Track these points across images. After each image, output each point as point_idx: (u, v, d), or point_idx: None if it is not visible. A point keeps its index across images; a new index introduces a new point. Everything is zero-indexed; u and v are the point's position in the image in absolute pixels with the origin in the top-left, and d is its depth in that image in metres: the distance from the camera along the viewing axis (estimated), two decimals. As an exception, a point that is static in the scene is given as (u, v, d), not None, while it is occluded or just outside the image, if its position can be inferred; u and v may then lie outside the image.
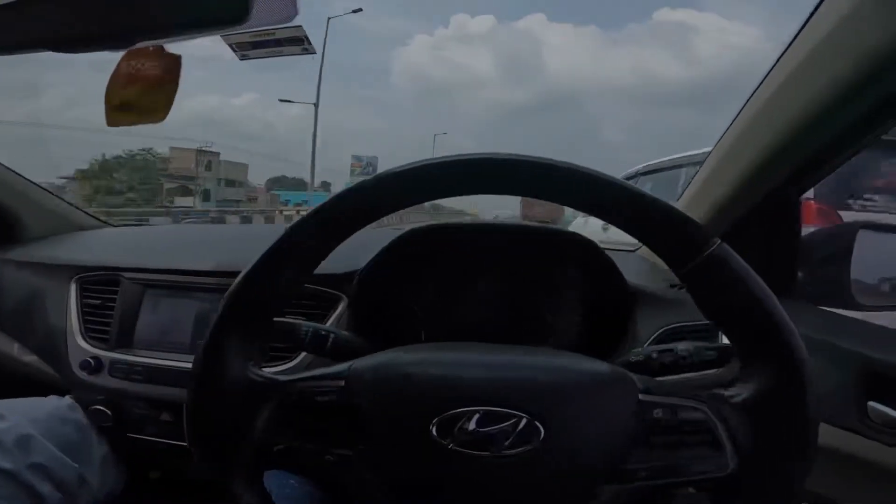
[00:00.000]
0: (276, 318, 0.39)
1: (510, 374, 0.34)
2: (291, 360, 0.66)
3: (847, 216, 1.69)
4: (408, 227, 0.64)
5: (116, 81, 0.40)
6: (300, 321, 0.44)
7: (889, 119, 0.46)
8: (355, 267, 0.63)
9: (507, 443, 0.32)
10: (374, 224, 0.37)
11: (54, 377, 0.75)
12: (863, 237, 0.60)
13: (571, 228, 0.83)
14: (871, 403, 0.48)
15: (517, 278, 0.64)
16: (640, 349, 0.43)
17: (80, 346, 0.72)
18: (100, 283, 0.75)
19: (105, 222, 1.05)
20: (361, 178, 0.36)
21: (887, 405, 0.47)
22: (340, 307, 0.66)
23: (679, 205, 0.68)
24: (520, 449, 0.32)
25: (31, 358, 0.78)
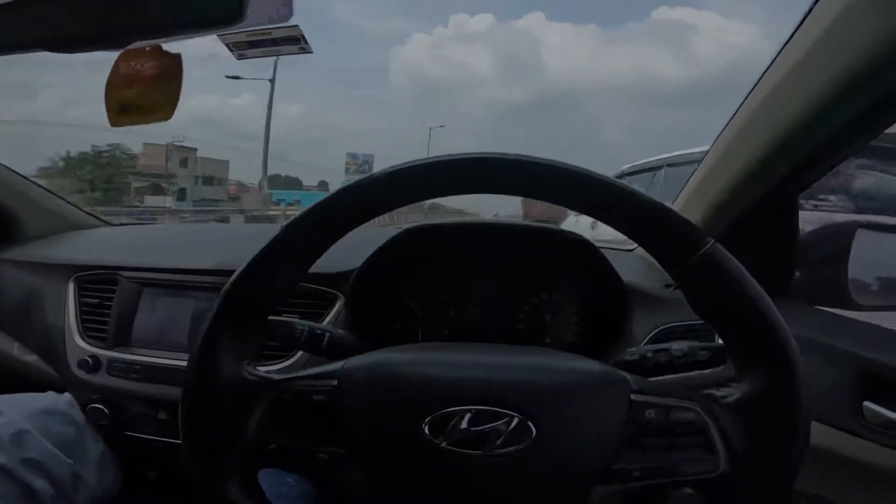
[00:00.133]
0: (271, 317, 0.39)
1: (502, 374, 0.34)
2: (287, 360, 0.66)
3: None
4: (405, 227, 0.64)
5: (115, 82, 0.40)
6: (296, 320, 0.44)
7: (886, 117, 0.46)
8: (352, 266, 0.63)
9: (498, 442, 0.32)
10: (372, 223, 0.37)
11: (53, 376, 0.75)
12: (861, 237, 0.60)
13: (563, 226, 0.82)
14: (866, 404, 0.48)
15: (513, 277, 0.64)
16: (635, 349, 0.43)
17: (79, 344, 0.72)
18: (98, 281, 0.75)
19: (104, 221, 1.05)
20: (357, 177, 0.37)
21: (883, 406, 0.47)
22: (337, 306, 0.66)
23: (676, 206, 0.68)
24: (512, 448, 0.32)
25: (30, 357, 0.78)
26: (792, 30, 0.47)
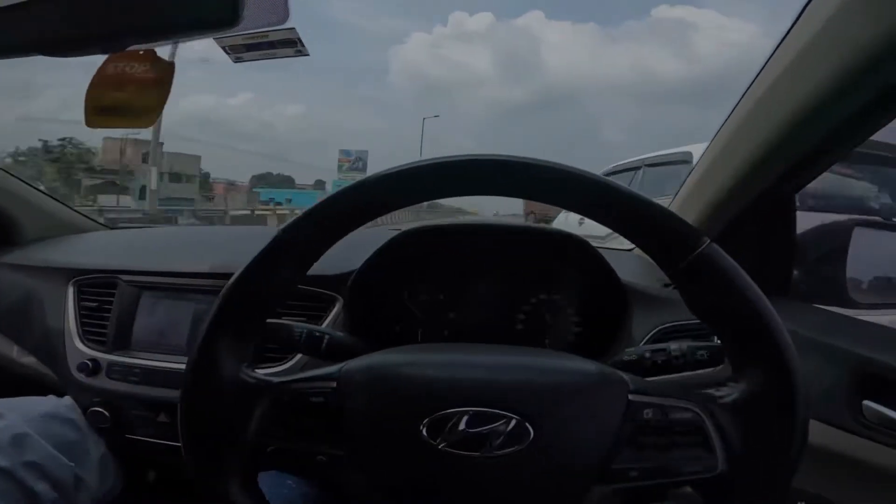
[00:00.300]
0: (270, 320, 0.39)
1: (500, 375, 0.34)
2: (287, 362, 0.66)
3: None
4: (403, 228, 0.64)
5: (101, 84, 0.40)
6: (294, 322, 0.44)
7: (882, 114, 0.46)
8: (351, 268, 0.63)
9: (497, 443, 0.32)
10: (371, 224, 0.37)
11: (53, 379, 0.75)
12: (858, 235, 0.60)
13: (554, 225, 0.83)
14: (865, 402, 0.48)
15: (513, 278, 0.64)
16: (633, 349, 0.43)
17: (78, 348, 0.72)
18: (97, 285, 0.75)
19: (103, 225, 1.05)
20: (350, 174, 0.37)
21: (882, 404, 0.47)
22: (336, 308, 0.66)
23: (672, 206, 0.68)
24: (510, 449, 0.32)
25: (30, 360, 0.78)
26: (787, 27, 0.47)
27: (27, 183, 0.94)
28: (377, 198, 0.34)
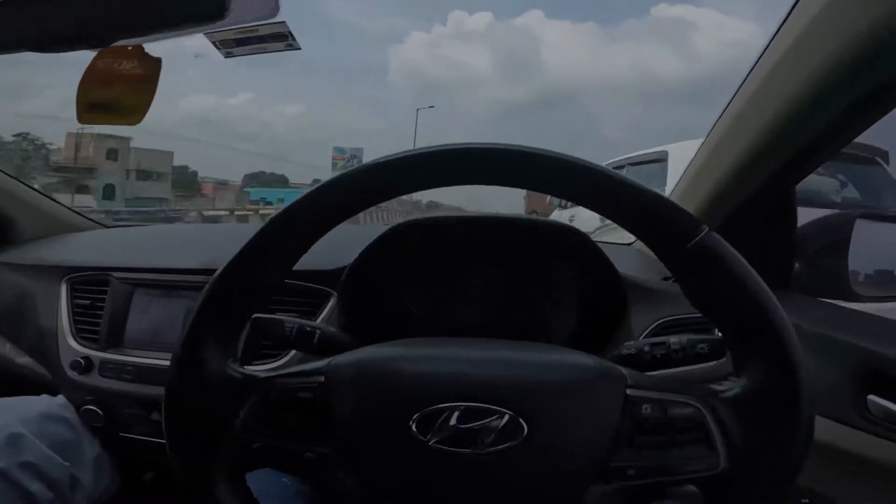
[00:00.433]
0: (260, 315, 0.38)
1: (492, 369, 0.33)
2: (281, 359, 0.65)
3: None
4: (397, 222, 0.63)
5: (90, 80, 0.39)
6: (285, 317, 0.43)
7: (882, 105, 0.45)
8: (345, 263, 0.62)
9: (489, 440, 0.31)
10: (370, 222, 0.36)
11: (47, 377, 0.75)
12: (860, 227, 0.59)
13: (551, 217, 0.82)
14: (871, 397, 0.47)
15: (510, 272, 0.63)
16: (632, 342, 0.42)
17: (71, 346, 0.72)
18: (89, 283, 0.75)
19: (97, 223, 1.04)
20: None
21: (888, 399, 0.46)
22: (330, 304, 0.66)
23: (671, 199, 0.67)
24: (502, 446, 0.31)
25: (23, 359, 0.78)
26: (783, 17, 0.46)
27: (23, 182, 0.94)
28: (360, 191, 0.33)
